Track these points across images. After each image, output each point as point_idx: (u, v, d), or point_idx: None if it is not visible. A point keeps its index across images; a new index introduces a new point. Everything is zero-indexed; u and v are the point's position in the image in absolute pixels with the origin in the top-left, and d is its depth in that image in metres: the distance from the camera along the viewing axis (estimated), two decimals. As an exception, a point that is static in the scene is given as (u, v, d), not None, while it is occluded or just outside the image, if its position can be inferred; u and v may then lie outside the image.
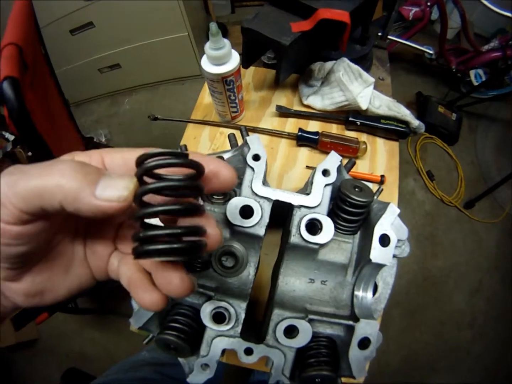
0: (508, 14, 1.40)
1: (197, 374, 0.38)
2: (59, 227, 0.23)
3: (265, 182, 0.52)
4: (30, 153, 1.65)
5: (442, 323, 1.53)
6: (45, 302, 0.23)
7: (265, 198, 0.40)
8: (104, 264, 0.26)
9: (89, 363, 1.52)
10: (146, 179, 0.20)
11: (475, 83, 1.77)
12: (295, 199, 0.40)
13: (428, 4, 1.65)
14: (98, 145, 1.65)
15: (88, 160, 0.22)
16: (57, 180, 0.17)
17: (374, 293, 0.45)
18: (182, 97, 2.08)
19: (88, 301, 1.58)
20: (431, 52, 1.67)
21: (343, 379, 0.40)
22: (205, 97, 0.74)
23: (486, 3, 1.51)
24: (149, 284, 0.22)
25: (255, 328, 0.46)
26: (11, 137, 1.70)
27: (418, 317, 1.54)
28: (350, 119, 0.64)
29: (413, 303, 1.55)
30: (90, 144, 1.51)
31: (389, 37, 1.64)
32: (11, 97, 0.69)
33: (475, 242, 1.68)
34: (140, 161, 0.19)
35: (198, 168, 0.20)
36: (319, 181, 0.40)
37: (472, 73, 1.79)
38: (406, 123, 0.65)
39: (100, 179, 0.18)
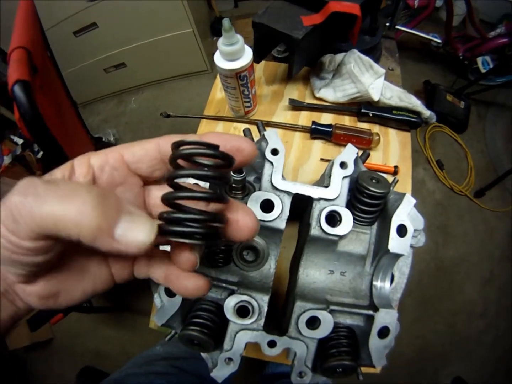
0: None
1: (221, 368, 0.38)
2: None
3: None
4: (39, 156, 1.68)
5: (454, 313, 1.53)
6: (60, 305, 0.23)
7: (285, 192, 0.40)
8: (128, 265, 0.25)
9: (104, 361, 1.55)
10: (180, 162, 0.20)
11: (483, 70, 1.75)
12: (314, 192, 0.40)
13: (434, -9, 1.63)
14: (107, 145, 1.66)
15: (105, 159, 0.22)
16: (74, 216, 0.16)
17: (390, 283, 0.45)
18: (188, 93, 2.08)
19: (102, 299, 1.60)
20: (439, 41, 1.64)
21: (362, 368, 0.40)
22: (217, 92, 0.74)
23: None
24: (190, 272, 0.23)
25: (275, 320, 0.47)
26: (20, 141, 1.73)
27: (430, 307, 1.53)
28: (363, 110, 0.64)
29: (426, 293, 1.55)
30: (99, 144, 1.52)
31: (398, 27, 1.63)
32: (23, 101, 0.68)
33: (486, 231, 1.66)
34: (176, 146, 0.20)
35: (229, 160, 0.21)
36: (337, 173, 0.40)
37: (479, 60, 1.76)
38: (417, 113, 0.65)
39: (120, 217, 0.17)
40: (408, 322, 1.51)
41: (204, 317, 0.39)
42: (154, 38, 1.80)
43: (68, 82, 1.19)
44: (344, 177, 0.41)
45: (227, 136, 0.22)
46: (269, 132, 0.43)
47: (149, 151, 0.22)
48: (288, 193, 0.40)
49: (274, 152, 0.42)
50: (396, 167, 0.61)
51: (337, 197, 0.40)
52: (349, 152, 0.42)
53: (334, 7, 0.52)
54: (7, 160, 1.63)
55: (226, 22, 0.50)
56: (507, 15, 1.99)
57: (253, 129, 0.53)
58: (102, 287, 0.25)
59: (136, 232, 0.18)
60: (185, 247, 0.22)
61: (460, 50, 1.80)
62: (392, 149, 0.65)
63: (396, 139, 0.66)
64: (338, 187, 0.40)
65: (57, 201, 0.16)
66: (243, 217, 0.22)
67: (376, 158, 0.63)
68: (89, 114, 2.11)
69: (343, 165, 0.41)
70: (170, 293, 0.38)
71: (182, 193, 0.20)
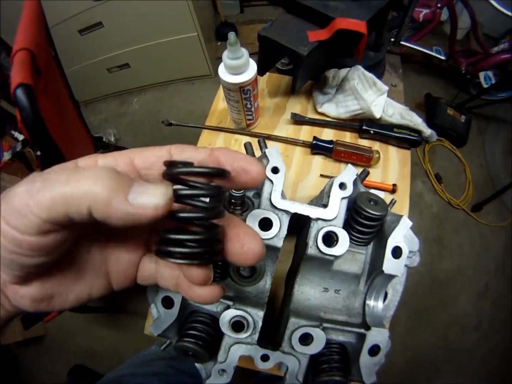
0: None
1: (214, 379, 0.39)
2: (80, 235, 0.22)
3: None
4: (39, 153, 1.67)
5: (448, 325, 1.53)
6: (53, 308, 0.22)
7: (284, 211, 0.41)
8: (130, 270, 0.25)
9: (96, 361, 1.54)
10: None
11: (485, 85, 1.76)
12: (313, 212, 0.40)
13: (438, 5, 1.64)
14: (107, 145, 1.66)
15: (114, 162, 0.21)
16: (87, 187, 0.16)
17: (383, 301, 0.46)
18: (191, 97, 2.08)
19: (96, 299, 1.60)
20: (443, 58, 1.65)
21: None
22: (220, 103, 0.74)
23: (494, 4, 1.50)
24: None
25: (269, 333, 0.47)
26: (21, 137, 1.72)
27: (424, 318, 1.54)
28: (364, 127, 0.64)
29: (420, 305, 1.55)
30: (99, 143, 1.52)
31: (403, 43, 1.65)
32: (25, 105, 0.67)
33: (483, 246, 1.67)
34: (169, 164, 0.20)
35: (223, 174, 0.21)
36: (336, 194, 0.41)
37: (481, 75, 1.78)
38: (418, 131, 0.66)
39: (133, 183, 0.17)
40: (401, 332, 1.51)
41: (200, 329, 0.39)
42: (158, 40, 1.80)
43: (71, 80, 1.19)
44: (343, 198, 0.41)
45: (237, 155, 0.21)
46: (271, 150, 0.43)
47: (161, 158, 0.21)
48: (287, 212, 0.41)
49: (275, 170, 0.42)
50: (394, 185, 0.62)
51: (335, 217, 0.41)
52: (349, 173, 0.42)
53: (340, 24, 0.53)
54: (7, 156, 1.61)
55: (232, 36, 0.50)
56: (510, 30, 2.00)
57: (254, 141, 0.53)
58: (97, 292, 0.24)
59: (151, 195, 0.17)
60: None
61: (463, 64, 1.81)
62: (392, 167, 0.65)
63: (396, 157, 0.67)
64: (337, 208, 0.41)
65: (67, 179, 0.16)
66: (249, 241, 0.21)
67: (375, 176, 0.64)
68: (91, 113, 2.11)
69: (342, 185, 0.42)
70: (167, 304, 0.39)
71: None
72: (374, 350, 0.38)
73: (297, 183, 0.62)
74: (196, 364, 0.42)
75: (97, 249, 0.23)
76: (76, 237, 0.21)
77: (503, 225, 1.70)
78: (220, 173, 0.20)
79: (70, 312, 1.34)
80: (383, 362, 0.40)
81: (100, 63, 1.90)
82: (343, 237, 0.40)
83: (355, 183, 0.43)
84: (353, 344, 0.40)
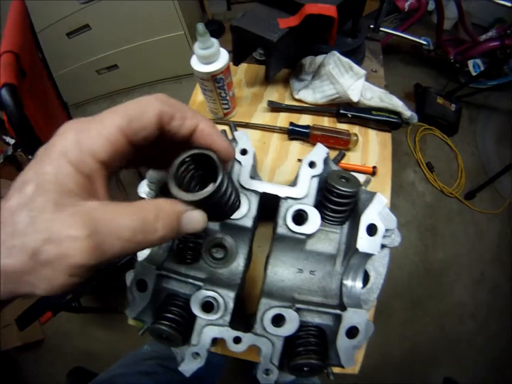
0: (506, 3, 1.39)
1: (188, 362, 0.38)
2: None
3: (255, 176, 0.53)
4: (30, 156, 1.68)
5: (444, 315, 1.53)
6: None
7: (252, 191, 0.41)
8: None
9: (94, 362, 1.54)
10: None
11: (474, 73, 1.76)
12: (281, 191, 0.40)
13: (424, -6, 1.64)
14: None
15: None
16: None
17: (366, 283, 0.45)
18: (179, 95, 2.07)
19: (91, 300, 1.60)
20: (424, 43, 1.65)
21: (339, 370, 0.40)
22: (198, 95, 0.74)
23: (483, -8, 1.50)
24: None
25: (249, 321, 0.47)
26: (12, 141, 1.72)
27: (420, 308, 1.54)
28: (341, 111, 0.64)
29: (415, 295, 1.55)
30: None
31: (382, 29, 1.64)
32: (9, 104, 0.71)
33: (477, 233, 1.67)
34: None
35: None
36: (306, 172, 0.41)
37: (470, 63, 1.78)
38: (398, 114, 0.66)
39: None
40: (397, 323, 1.51)
41: (174, 312, 0.39)
42: (146, 40, 1.80)
43: (61, 83, 1.20)
44: (313, 176, 0.41)
45: (215, 133, 0.26)
46: (239, 133, 0.43)
47: (152, 123, 0.23)
48: (255, 192, 0.41)
49: (243, 152, 0.42)
50: (374, 167, 0.62)
51: (304, 196, 0.41)
52: (319, 152, 0.42)
53: (309, 9, 0.53)
54: (-1, 160, 1.62)
55: (200, 26, 0.51)
56: (500, 19, 2.01)
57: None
58: None
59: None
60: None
61: (452, 53, 1.81)
62: (372, 150, 0.65)
63: (375, 140, 0.66)
64: (306, 186, 0.41)
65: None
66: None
67: (355, 159, 0.64)
68: (81, 115, 2.00)
69: (312, 164, 0.42)
70: (141, 287, 0.39)
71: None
72: (352, 332, 0.37)
73: (274, 169, 0.62)
74: (172, 349, 0.42)
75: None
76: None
77: (497, 213, 1.70)
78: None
79: (66, 315, 1.34)
80: (362, 346, 0.39)
81: (89, 65, 1.90)
82: (314, 215, 0.40)
83: (325, 161, 0.42)
84: (331, 326, 0.40)
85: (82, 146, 0.20)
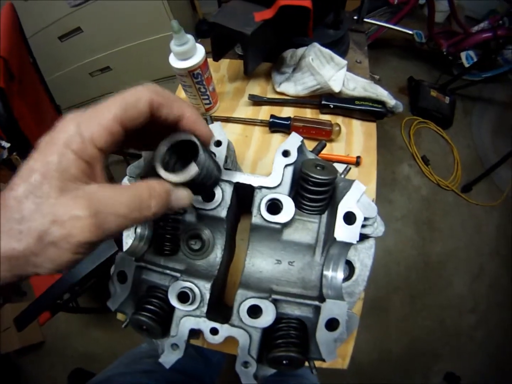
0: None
1: (167, 354, 0.38)
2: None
3: (235, 168, 0.53)
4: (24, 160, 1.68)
5: (443, 309, 1.52)
6: None
7: (226, 181, 0.40)
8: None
9: (94, 363, 1.55)
10: None
11: (467, 65, 1.75)
12: (255, 180, 0.40)
13: (414, -13, 1.63)
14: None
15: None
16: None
17: (351, 275, 0.45)
18: (173, 95, 2.06)
19: (89, 301, 1.60)
20: (411, 32, 1.65)
21: (327, 364, 0.39)
22: (181, 92, 0.74)
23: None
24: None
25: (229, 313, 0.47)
26: (7, 145, 1.73)
27: (419, 303, 1.53)
28: (323, 102, 0.64)
29: (414, 289, 1.55)
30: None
31: (370, 20, 1.65)
32: None
33: (475, 226, 1.66)
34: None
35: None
36: (279, 161, 0.40)
37: (463, 55, 1.77)
38: (382, 103, 0.65)
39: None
40: (396, 318, 1.50)
41: (154, 303, 0.39)
42: (138, 41, 1.80)
43: (55, 87, 1.21)
44: (287, 165, 0.41)
45: (198, 119, 0.28)
46: (214, 125, 0.43)
47: (144, 114, 0.25)
48: (229, 182, 0.40)
49: (218, 143, 0.42)
50: (358, 157, 0.61)
51: (278, 185, 0.40)
52: (293, 140, 0.41)
53: (284, 0, 0.53)
54: (-6, 163, 1.63)
55: (174, 24, 0.51)
56: (493, 11, 2.00)
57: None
58: None
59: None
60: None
61: (444, 46, 1.81)
62: (356, 140, 0.65)
63: (360, 130, 0.66)
64: (280, 175, 0.40)
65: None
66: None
67: (338, 149, 0.63)
68: None
69: (286, 153, 0.41)
70: (121, 279, 0.39)
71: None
72: (333, 325, 0.36)
73: (256, 162, 0.61)
74: (154, 340, 0.42)
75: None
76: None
77: (494, 205, 1.69)
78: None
79: (65, 316, 1.34)
80: (345, 339, 0.38)
81: (82, 67, 1.90)
82: (288, 204, 0.39)
83: (300, 150, 0.42)
84: (311, 319, 0.39)
85: (83, 135, 0.22)
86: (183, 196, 0.28)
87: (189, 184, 0.28)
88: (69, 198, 0.20)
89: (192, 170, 0.27)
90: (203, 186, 0.33)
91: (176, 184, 0.27)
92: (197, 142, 0.28)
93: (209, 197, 0.39)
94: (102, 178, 0.24)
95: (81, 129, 0.22)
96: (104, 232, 0.21)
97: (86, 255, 0.21)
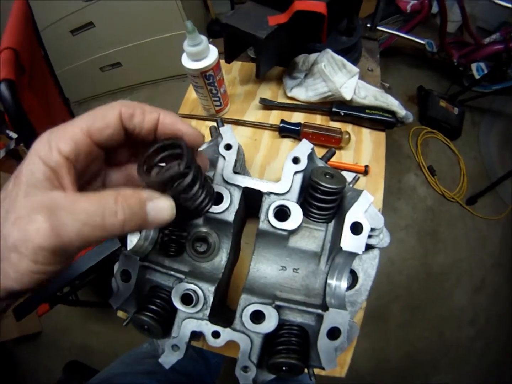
0: (509, 5, 1.37)
1: (168, 355, 0.38)
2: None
3: (243, 172, 0.53)
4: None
5: (443, 320, 1.51)
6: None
7: (235, 185, 0.40)
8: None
9: (91, 356, 1.55)
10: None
11: (477, 77, 1.74)
12: (264, 186, 0.40)
13: (427, -4, 1.63)
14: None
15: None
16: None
17: (354, 285, 0.44)
18: (182, 94, 2.05)
19: (89, 294, 1.60)
20: (422, 42, 1.64)
21: (326, 372, 0.39)
22: (192, 92, 0.75)
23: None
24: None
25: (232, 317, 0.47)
26: (14, 135, 1.74)
27: (419, 313, 1.52)
28: (334, 109, 0.64)
29: (415, 299, 1.53)
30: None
31: (383, 28, 1.64)
32: (7, 98, 0.75)
33: (478, 239, 1.65)
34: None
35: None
36: (289, 168, 0.40)
37: (473, 66, 1.75)
38: (392, 113, 0.65)
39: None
40: (395, 327, 1.49)
41: (156, 303, 0.39)
42: (149, 38, 1.81)
43: (64, 80, 1.21)
44: (296, 172, 0.41)
45: (177, 120, 0.28)
46: (224, 128, 0.43)
47: (114, 124, 0.26)
48: (238, 186, 0.40)
49: (228, 147, 0.42)
50: (366, 166, 0.61)
51: (287, 191, 0.40)
52: (303, 148, 0.41)
53: (299, 5, 0.52)
54: (1, 153, 1.64)
55: (189, 24, 0.51)
56: (505, 23, 1.98)
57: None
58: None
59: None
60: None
61: (455, 56, 1.80)
62: (365, 149, 0.65)
63: (369, 139, 0.66)
64: (289, 182, 0.40)
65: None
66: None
67: (347, 157, 0.63)
68: (84, 112, 2.09)
69: (296, 160, 0.41)
70: (125, 277, 0.39)
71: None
72: (334, 334, 0.36)
73: (265, 166, 0.61)
74: (155, 340, 0.42)
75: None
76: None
77: (498, 219, 1.67)
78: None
79: (65, 309, 1.34)
80: (345, 348, 0.38)
81: (92, 62, 1.92)
82: (296, 211, 0.39)
83: (310, 157, 0.42)
84: (313, 327, 0.39)
85: (50, 144, 0.23)
86: (162, 208, 0.24)
87: (173, 196, 0.25)
88: (31, 202, 0.21)
89: (172, 170, 0.25)
90: (186, 208, 0.27)
91: (156, 190, 0.24)
92: (180, 143, 0.26)
93: (218, 200, 0.39)
94: (71, 187, 0.23)
95: (50, 139, 0.23)
96: (62, 239, 0.20)
97: (48, 267, 0.21)
